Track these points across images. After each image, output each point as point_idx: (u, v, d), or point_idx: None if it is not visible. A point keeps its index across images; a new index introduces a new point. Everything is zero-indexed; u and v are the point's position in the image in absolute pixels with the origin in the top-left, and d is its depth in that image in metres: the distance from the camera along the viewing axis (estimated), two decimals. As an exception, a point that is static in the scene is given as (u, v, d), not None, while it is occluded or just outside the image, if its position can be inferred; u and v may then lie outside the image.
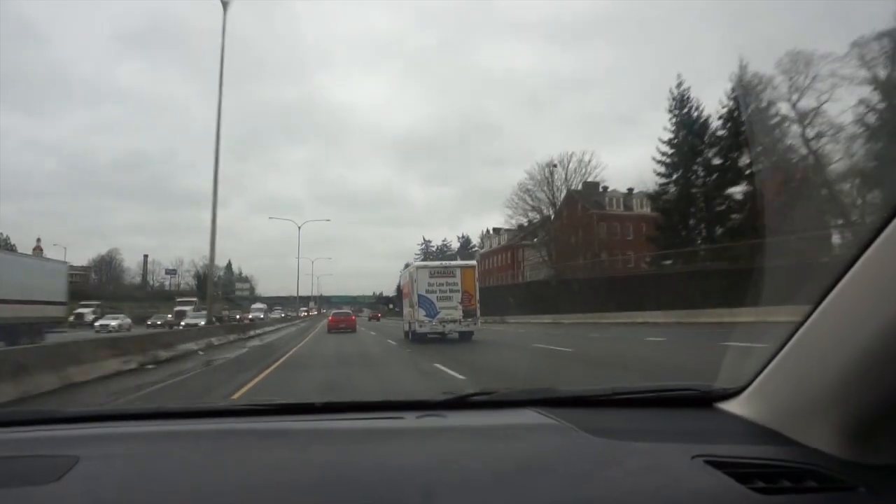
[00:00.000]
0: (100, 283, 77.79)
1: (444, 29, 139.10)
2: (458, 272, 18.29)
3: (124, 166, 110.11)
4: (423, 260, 60.96)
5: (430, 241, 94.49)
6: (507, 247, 64.69)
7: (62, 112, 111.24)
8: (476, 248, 77.29)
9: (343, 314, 30.88)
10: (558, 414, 1.30)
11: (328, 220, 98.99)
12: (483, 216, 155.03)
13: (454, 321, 17.89)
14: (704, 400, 1.33)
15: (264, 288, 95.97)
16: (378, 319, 79.69)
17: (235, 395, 6.96)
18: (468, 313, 18.15)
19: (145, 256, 75.46)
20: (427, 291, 17.94)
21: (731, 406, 1.25)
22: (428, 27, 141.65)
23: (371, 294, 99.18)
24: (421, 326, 17.64)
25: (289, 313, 58.84)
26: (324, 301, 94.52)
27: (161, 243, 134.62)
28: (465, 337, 18.02)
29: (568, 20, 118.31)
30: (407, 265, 22.99)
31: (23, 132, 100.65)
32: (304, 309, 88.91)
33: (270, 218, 77.80)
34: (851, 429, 0.95)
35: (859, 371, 0.90)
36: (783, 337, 1.07)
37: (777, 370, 1.10)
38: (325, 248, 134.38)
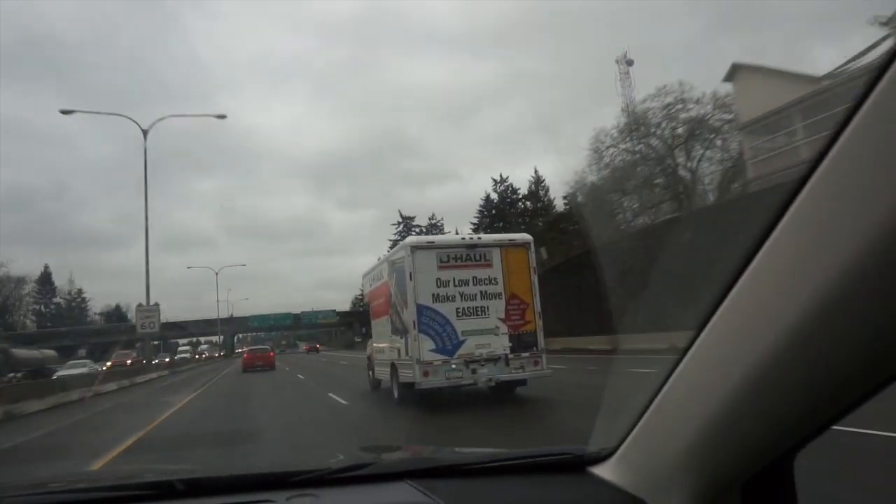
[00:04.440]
0: None
1: (351, 46, 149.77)
2: (495, 256, 9.54)
3: (6, 205, 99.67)
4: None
5: (411, 219, 63.41)
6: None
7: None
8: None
9: (260, 350, 33.74)
10: (434, 487, 1.38)
11: (244, 265, 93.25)
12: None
13: (494, 359, 8.71)
14: (578, 464, 1.39)
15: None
16: (317, 351, 68.18)
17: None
18: (521, 341, 9.85)
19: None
20: (436, 298, 9.36)
21: (602, 470, 1.30)
22: (334, 45, 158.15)
23: (325, 311, 74.71)
24: (426, 373, 8.44)
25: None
26: (240, 326, 75.53)
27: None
28: (507, 388, 10.31)
29: (480, 30, 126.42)
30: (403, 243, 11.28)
31: None
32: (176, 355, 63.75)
33: (189, 268, 66.82)
34: (703, 495, 1.01)
35: (709, 434, 0.94)
36: (652, 391, 1.08)
37: (642, 430, 1.14)
38: (242, 285, 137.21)
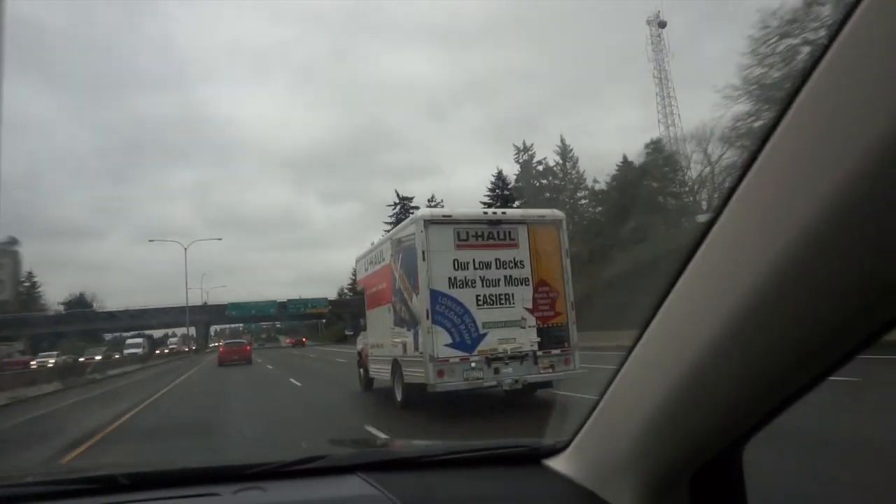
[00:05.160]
0: None
1: (334, 37, 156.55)
2: (521, 235, 8.54)
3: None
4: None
5: (409, 199, 57.45)
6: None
7: None
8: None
9: (236, 344, 34.50)
10: (385, 481, 1.36)
11: (220, 239, 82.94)
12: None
13: (520, 356, 7.15)
14: (534, 457, 1.39)
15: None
16: (303, 345, 64.11)
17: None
18: (550, 335, 8.58)
19: None
20: (453, 283, 8.05)
21: (556, 463, 1.30)
22: (317, 35, 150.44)
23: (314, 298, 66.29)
24: (440, 373, 6.89)
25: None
26: (216, 316, 67.50)
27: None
28: (527, 391, 8.73)
29: (465, 24, 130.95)
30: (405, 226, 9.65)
31: None
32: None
33: (151, 241, 60.67)
34: (651, 487, 1.01)
35: (655, 426, 0.95)
36: (605, 384, 1.10)
37: (595, 422, 1.15)
38: (220, 279, 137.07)
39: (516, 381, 8.09)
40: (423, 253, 8.07)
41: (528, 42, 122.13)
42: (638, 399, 0.97)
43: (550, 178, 46.18)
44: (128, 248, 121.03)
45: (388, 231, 13.24)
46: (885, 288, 0.60)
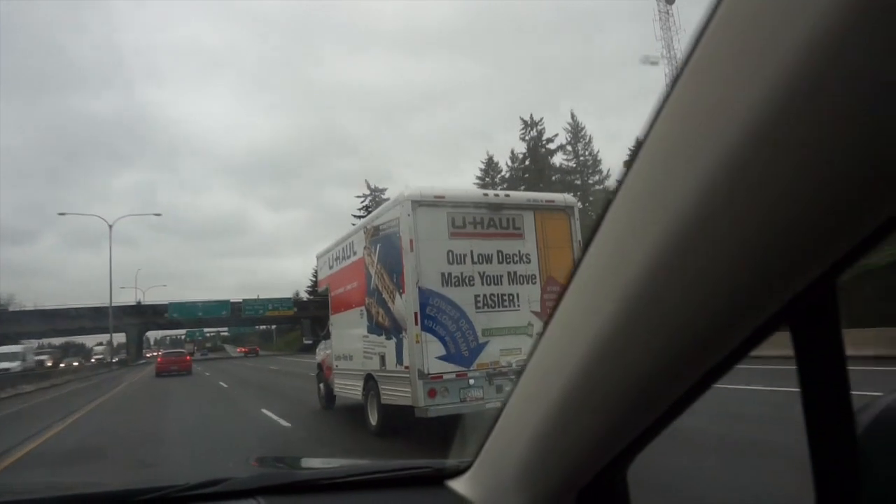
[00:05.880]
0: None
1: (286, 40, 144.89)
2: (528, 223, 7.05)
3: None
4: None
5: (381, 191, 51.39)
6: None
7: None
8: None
9: (175, 354, 33.58)
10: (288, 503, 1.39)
11: (159, 215, 75.74)
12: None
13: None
14: (438, 478, 1.35)
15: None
16: (257, 354, 60.71)
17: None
18: None
19: None
20: (447, 280, 6.55)
21: (458, 484, 1.27)
22: (268, 39, 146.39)
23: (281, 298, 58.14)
24: (432, 392, 5.29)
25: None
26: (154, 319, 56.32)
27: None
28: None
29: (423, 32, 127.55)
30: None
31: None
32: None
33: (62, 214, 55.46)
34: None
35: (538, 445, 0.92)
36: (505, 398, 1.05)
37: (492, 441, 1.11)
38: (160, 281, 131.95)
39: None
40: (411, 242, 6.47)
41: (485, 53, 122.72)
42: (525, 415, 0.94)
43: (561, 159, 42.94)
44: (60, 253, 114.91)
45: (362, 218, 11.50)
46: (768, 283, 0.58)
